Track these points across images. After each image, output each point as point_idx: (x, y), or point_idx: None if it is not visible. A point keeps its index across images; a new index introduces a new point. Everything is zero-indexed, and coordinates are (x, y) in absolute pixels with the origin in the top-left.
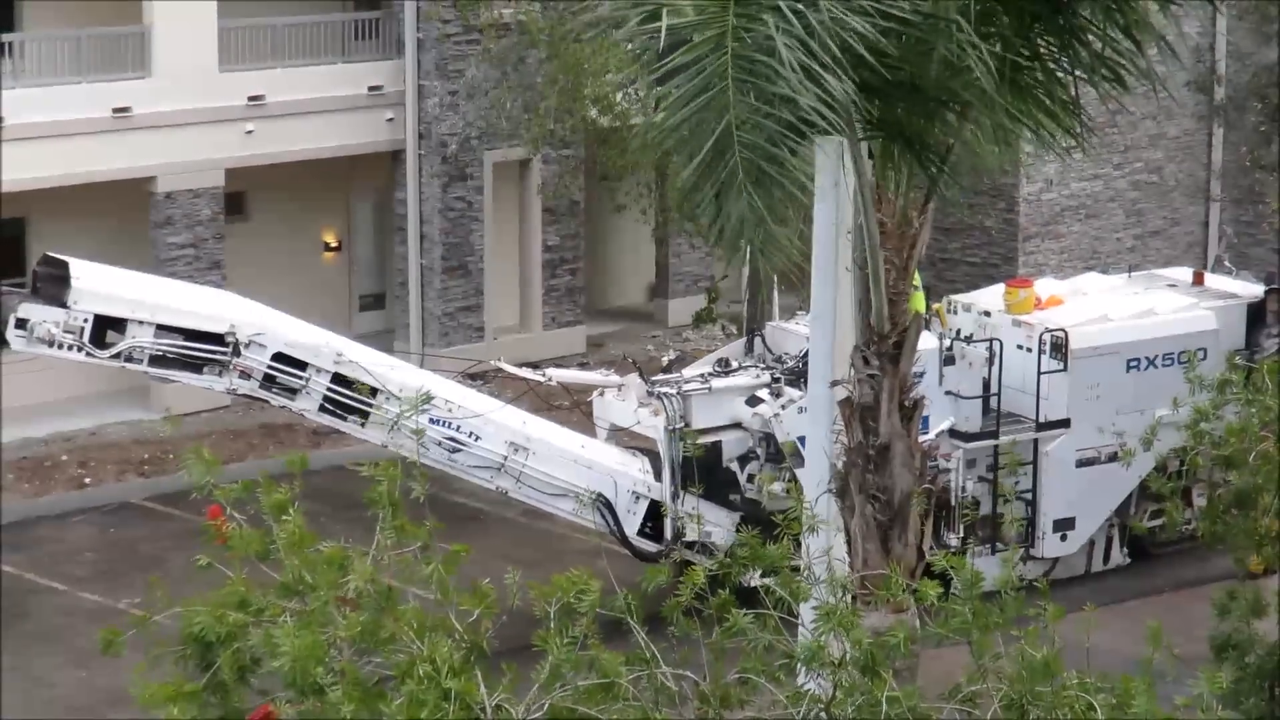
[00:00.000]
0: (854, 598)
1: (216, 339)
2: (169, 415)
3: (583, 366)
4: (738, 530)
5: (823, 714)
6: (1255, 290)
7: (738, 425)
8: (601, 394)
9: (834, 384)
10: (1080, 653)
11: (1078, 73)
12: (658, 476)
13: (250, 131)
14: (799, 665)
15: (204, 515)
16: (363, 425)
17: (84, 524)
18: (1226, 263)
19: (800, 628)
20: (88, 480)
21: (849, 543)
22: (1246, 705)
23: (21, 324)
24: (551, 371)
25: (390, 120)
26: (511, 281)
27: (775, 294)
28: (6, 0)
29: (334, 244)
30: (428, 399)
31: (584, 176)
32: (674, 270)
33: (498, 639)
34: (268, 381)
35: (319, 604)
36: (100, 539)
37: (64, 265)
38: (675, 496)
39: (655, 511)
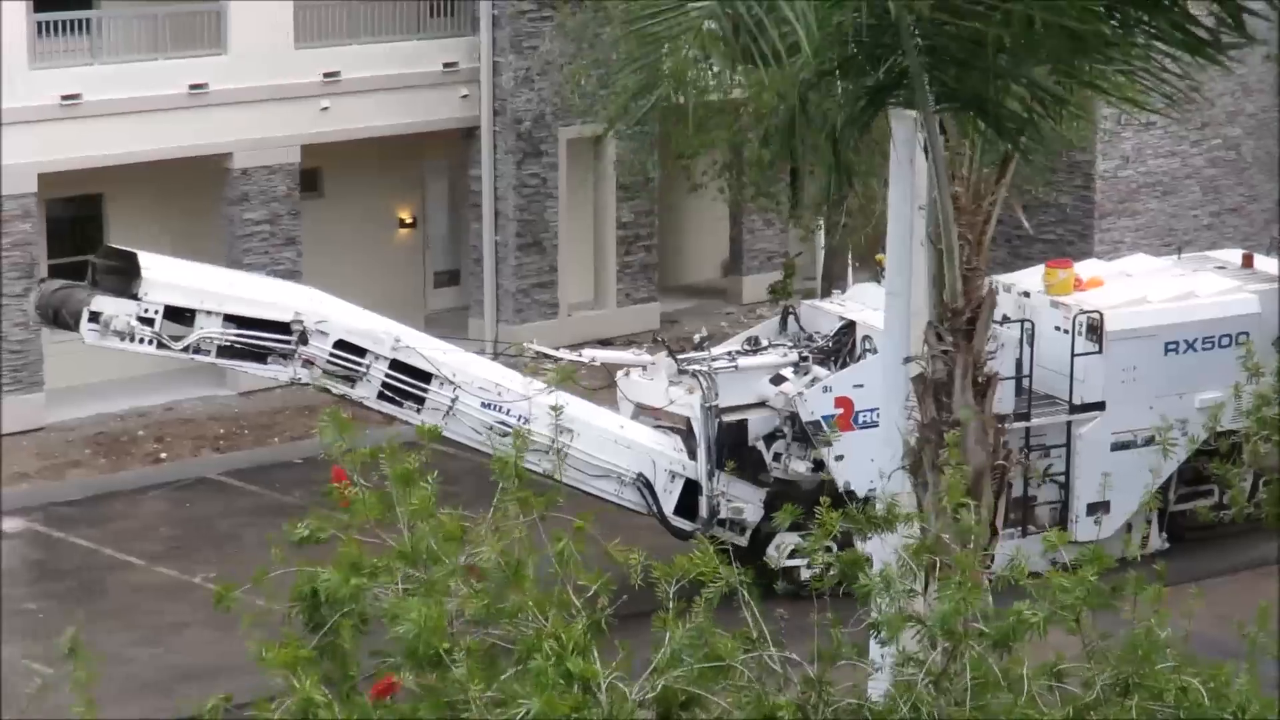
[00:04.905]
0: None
1: (282, 328)
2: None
3: (657, 343)
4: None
5: (931, 686)
6: None
7: (764, 404)
8: (627, 373)
9: (908, 360)
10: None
11: (1164, 45)
12: (690, 455)
13: (325, 108)
14: (929, 634)
15: (277, 489)
16: (418, 411)
17: (159, 499)
18: None
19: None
20: (163, 455)
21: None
22: None
23: (94, 317)
24: (589, 352)
25: (465, 97)
26: (586, 258)
27: (850, 271)
28: None
29: (408, 221)
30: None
31: (658, 153)
32: (748, 247)
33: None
34: (329, 369)
35: (443, 574)
36: (175, 514)
37: (128, 256)
38: (711, 475)
39: (688, 489)
